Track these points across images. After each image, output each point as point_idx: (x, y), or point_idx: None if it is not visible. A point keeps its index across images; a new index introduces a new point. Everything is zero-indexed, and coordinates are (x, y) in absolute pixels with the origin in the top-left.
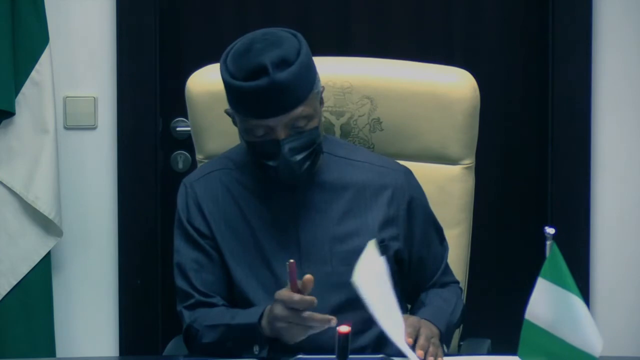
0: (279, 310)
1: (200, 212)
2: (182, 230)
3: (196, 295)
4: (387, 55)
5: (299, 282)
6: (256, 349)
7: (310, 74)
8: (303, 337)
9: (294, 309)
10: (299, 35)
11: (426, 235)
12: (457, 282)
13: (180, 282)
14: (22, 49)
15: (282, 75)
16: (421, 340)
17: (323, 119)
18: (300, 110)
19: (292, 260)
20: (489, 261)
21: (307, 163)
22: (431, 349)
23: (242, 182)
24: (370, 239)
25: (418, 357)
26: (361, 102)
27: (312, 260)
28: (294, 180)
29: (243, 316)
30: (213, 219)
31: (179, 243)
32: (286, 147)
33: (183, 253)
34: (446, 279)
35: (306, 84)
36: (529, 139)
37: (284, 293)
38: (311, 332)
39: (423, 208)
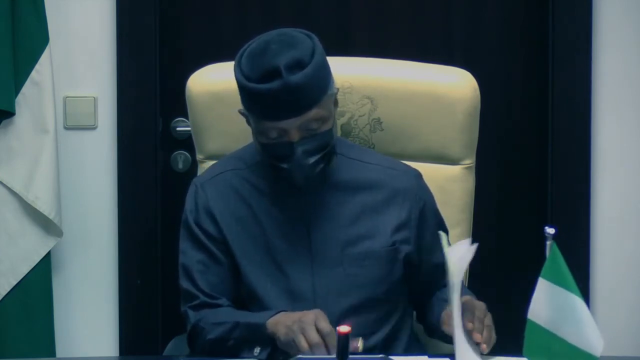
0: (308, 318)
1: (210, 213)
2: (189, 232)
3: (201, 296)
4: (387, 55)
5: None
6: (257, 350)
7: (324, 76)
8: (296, 352)
9: (315, 332)
10: (314, 36)
11: (436, 240)
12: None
13: (185, 284)
14: (22, 49)
15: (295, 77)
16: (476, 323)
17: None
18: (313, 112)
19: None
20: (489, 261)
21: (321, 165)
22: (485, 333)
23: (253, 182)
24: (381, 241)
25: (476, 339)
26: (361, 102)
27: (324, 262)
28: (307, 182)
29: (253, 317)
30: (223, 220)
31: (184, 244)
32: (299, 150)
33: (189, 254)
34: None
35: (320, 86)
36: (529, 139)
37: (324, 320)
38: (306, 354)
39: (434, 213)
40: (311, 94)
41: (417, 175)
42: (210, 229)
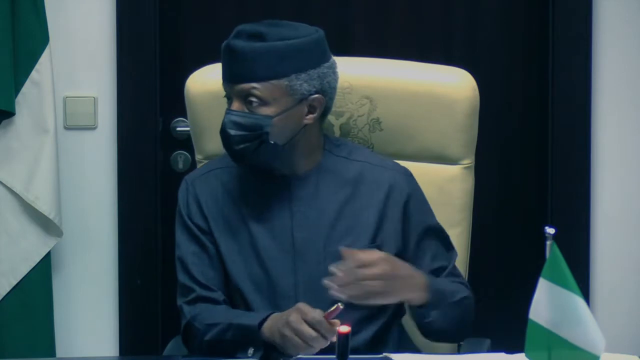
0: (288, 332)
1: (199, 208)
2: (183, 225)
3: (197, 289)
4: (387, 55)
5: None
6: (250, 351)
7: (284, 63)
8: (300, 353)
9: (308, 328)
10: (314, 40)
11: (422, 238)
12: (466, 285)
13: (181, 277)
14: (22, 49)
15: (243, 44)
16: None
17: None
18: (250, 86)
19: (341, 306)
20: (489, 261)
21: (245, 145)
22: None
23: (241, 180)
24: (363, 239)
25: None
26: (360, 102)
27: (306, 260)
28: (234, 156)
29: (245, 317)
30: (211, 215)
31: (180, 237)
32: (228, 118)
33: (184, 247)
34: (456, 280)
35: (272, 68)
36: (529, 139)
37: (309, 311)
38: (311, 351)
39: (418, 210)
40: (255, 68)
41: (405, 172)
42: (201, 223)
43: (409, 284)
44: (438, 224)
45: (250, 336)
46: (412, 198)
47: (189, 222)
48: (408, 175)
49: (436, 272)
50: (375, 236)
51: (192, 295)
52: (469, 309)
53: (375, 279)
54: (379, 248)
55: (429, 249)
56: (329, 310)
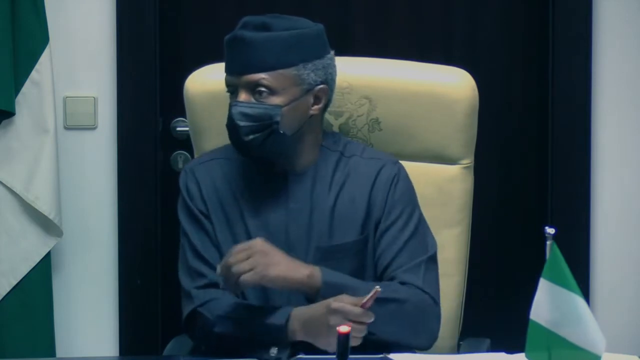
0: (337, 321)
1: (200, 193)
2: (187, 211)
3: (209, 274)
4: (386, 55)
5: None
6: (274, 351)
7: (292, 53)
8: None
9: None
10: (317, 31)
11: (395, 221)
12: (427, 293)
13: (192, 261)
14: (22, 49)
15: (250, 34)
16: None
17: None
18: (259, 76)
19: (378, 288)
20: (489, 261)
21: (255, 136)
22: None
23: (241, 171)
24: (354, 233)
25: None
26: (360, 102)
27: (299, 256)
28: (242, 148)
29: (267, 316)
30: (210, 204)
31: (185, 223)
32: (236, 109)
33: (192, 233)
34: (410, 279)
35: (281, 57)
36: (529, 139)
37: (346, 307)
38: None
39: (395, 203)
40: (262, 58)
41: (394, 161)
42: (202, 207)
43: (285, 265)
44: (420, 217)
45: (276, 336)
46: (395, 183)
47: (193, 207)
48: (395, 163)
49: (392, 266)
50: (363, 228)
51: (204, 281)
52: (407, 312)
53: (240, 259)
54: (366, 240)
55: (399, 240)
56: (368, 297)
